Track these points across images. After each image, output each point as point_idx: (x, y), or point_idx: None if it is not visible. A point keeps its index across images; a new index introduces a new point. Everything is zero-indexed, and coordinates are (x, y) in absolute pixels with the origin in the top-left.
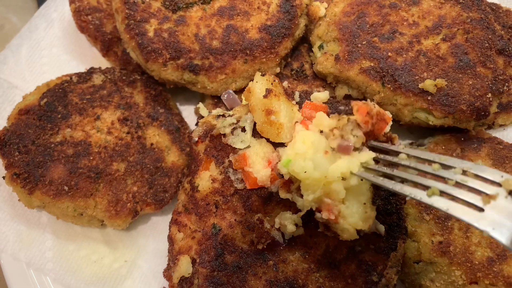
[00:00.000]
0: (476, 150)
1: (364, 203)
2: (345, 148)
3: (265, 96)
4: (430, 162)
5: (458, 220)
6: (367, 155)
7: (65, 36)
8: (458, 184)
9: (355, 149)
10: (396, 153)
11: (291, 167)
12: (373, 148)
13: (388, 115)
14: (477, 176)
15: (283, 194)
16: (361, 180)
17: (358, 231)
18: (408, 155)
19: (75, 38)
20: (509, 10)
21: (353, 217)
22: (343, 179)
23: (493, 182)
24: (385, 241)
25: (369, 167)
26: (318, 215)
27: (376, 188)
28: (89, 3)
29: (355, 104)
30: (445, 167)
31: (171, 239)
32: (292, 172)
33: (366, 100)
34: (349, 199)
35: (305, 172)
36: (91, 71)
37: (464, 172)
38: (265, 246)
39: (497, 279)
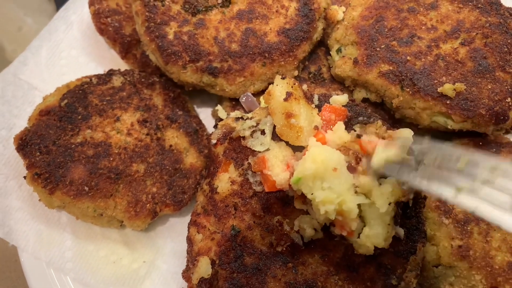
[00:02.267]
0: (495, 154)
1: (388, 224)
2: (351, 168)
3: (285, 99)
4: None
5: (486, 221)
6: (389, 183)
7: (84, 38)
8: (486, 183)
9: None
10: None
11: (300, 186)
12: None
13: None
14: (506, 174)
15: (298, 205)
16: (389, 204)
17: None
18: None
19: (94, 40)
20: None
21: (378, 238)
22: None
23: None
24: (404, 244)
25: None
26: (332, 228)
27: (398, 207)
28: (108, 6)
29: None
30: (473, 164)
31: (190, 240)
32: (302, 191)
33: (383, 104)
34: (374, 219)
35: (312, 194)
36: (110, 73)
37: (493, 170)
38: (284, 249)
39: None
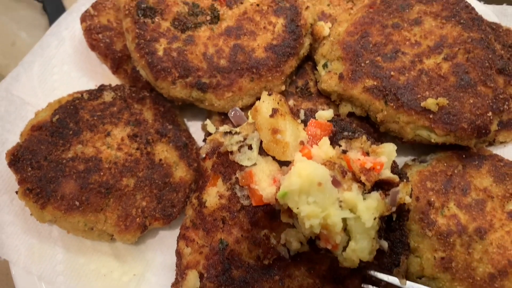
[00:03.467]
0: (478, 167)
1: (373, 237)
2: (335, 182)
3: (271, 116)
4: None
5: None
6: (373, 198)
7: (76, 53)
8: None
9: (362, 186)
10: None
11: (286, 200)
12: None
13: (382, 160)
14: None
15: (285, 219)
16: (374, 219)
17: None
18: None
19: (86, 56)
20: (509, 29)
21: (363, 252)
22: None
23: None
24: (388, 256)
25: None
26: (318, 242)
27: (382, 221)
28: (99, 22)
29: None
30: None
31: (179, 254)
32: (288, 205)
33: (369, 118)
34: (359, 233)
35: (297, 208)
36: (101, 89)
37: None
38: (271, 262)
39: None
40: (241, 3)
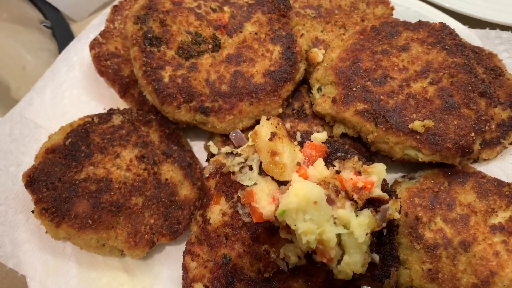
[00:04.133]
0: (462, 183)
1: (365, 251)
2: (330, 200)
3: (270, 139)
4: None
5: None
6: (365, 215)
7: (85, 78)
8: None
9: (355, 204)
10: None
11: (284, 218)
12: None
13: (372, 180)
14: None
15: (283, 235)
16: (366, 234)
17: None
18: None
19: (94, 80)
20: (491, 52)
21: (356, 265)
22: (345, 227)
23: None
24: (379, 269)
25: None
26: (314, 256)
27: (374, 236)
28: (108, 49)
29: (344, 180)
30: None
31: (185, 268)
32: (286, 222)
33: (360, 139)
34: (352, 248)
35: (295, 225)
36: (110, 112)
37: None
38: (271, 274)
39: None
40: (241, 31)
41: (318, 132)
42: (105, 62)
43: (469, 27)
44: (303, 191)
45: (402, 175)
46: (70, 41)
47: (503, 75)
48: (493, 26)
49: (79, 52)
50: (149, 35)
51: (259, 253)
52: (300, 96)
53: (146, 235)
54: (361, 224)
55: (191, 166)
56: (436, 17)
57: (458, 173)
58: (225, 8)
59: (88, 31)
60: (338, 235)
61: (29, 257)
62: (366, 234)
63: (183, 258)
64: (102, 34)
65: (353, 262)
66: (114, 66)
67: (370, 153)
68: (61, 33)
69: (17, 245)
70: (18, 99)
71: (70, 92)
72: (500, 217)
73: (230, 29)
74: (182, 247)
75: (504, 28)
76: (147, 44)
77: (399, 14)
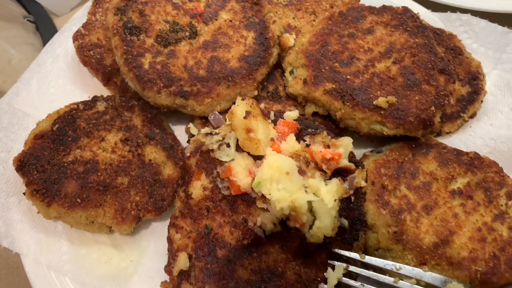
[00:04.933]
0: (425, 154)
1: (335, 216)
2: (301, 171)
3: (245, 117)
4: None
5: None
6: (333, 183)
7: (69, 69)
8: None
9: (324, 174)
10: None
11: (260, 188)
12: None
13: (340, 151)
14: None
15: (260, 204)
16: (334, 200)
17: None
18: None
19: (78, 70)
20: (451, 33)
21: (327, 228)
22: (315, 195)
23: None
24: (349, 233)
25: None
26: (288, 222)
27: (342, 202)
28: (90, 40)
29: (314, 153)
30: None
31: (170, 240)
32: (262, 192)
33: (330, 116)
34: (322, 213)
35: (269, 194)
36: (95, 99)
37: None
38: (249, 241)
39: (441, 260)
40: (216, 19)
41: (290, 111)
42: (88, 53)
43: (432, 11)
44: (276, 163)
45: (371, 149)
46: (54, 35)
47: (462, 54)
48: (453, 9)
49: (62, 44)
50: (129, 25)
51: (238, 222)
52: (274, 79)
53: (133, 211)
54: (330, 191)
55: (173, 147)
56: (401, 2)
57: (422, 145)
58: None
59: (71, 24)
60: (309, 202)
61: (23, 236)
62: (335, 200)
63: (168, 231)
64: (84, 26)
65: (324, 226)
66: (97, 56)
67: (339, 130)
68: (45, 27)
69: (11, 226)
70: (5, 91)
71: (56, 82)
72: (459, 183)
73: (205, 17)
74: (166, 223)
75: (464, 11)
76: (127, 34)
77: (366, 0)
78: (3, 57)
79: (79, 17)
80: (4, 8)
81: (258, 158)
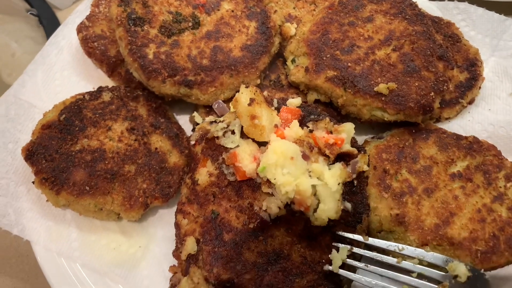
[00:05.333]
0: (425, 139)
1: (338, 199)
2: (305, 156)
3: (249, 104)
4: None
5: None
6: (337, 167)
7: (74, 60)
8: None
9: (327, 158)
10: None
11: (265, 173)
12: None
13: (342, 137)
14: (430, 264)
15: (265, 189)
16: (338, 184)
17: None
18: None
19: (83, 62)
20: (449, 21)
21: (330, 211)
22: (319, 179)
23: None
24: (352, 216)
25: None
26: (293, 206)
27: (345, 186)
28: (94, 32)
29: (317, 138)
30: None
31: (177, 225)
32: (267, 177)
33: (332, 103)
34: (326, 196)
35: (274, 179)
36: (100, 90)
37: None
38: (255, 225)
39: (442, 240)
40: (218, 10)
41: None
42: (93, 44)
43: (429, 0)
44: (281, 149)
45: (372, 136)
46: (57, 28)
47: (460, 41)
48: None
49: (66, 36)
50: (132, 16)
51: (244, 207)
52: (276, 68)
53: (140, 198)
54: (333, 175)
55: (178, 136)
56: None
57: (422, 130)
58: None
59: (74, 16)
60: (313, 186)
61: (33, 224)
62: (338, 184)
63: (175, 217)
64: (88, 18)
65: (328, 209)
66: (101, 47)
67: (341, 116)
68: (48, 20)
69: (21, 214)
70: (10, 84)
71: (61, 73)
72: (458, 166)
73: (208, 7)
74: (173, 209)
75: None
76: (131, 25)
77: None
78: (6, 51)
79: (82, 9)
80: (6, 2)
81: (262, 144)
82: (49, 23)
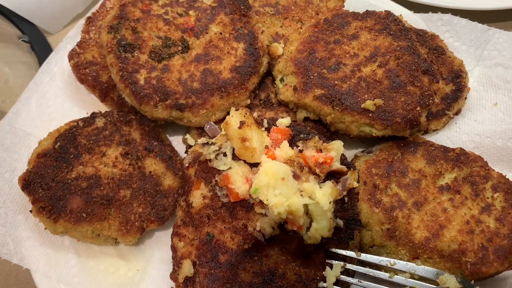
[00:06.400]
0: (413, 152)
1: (330, 217)
2: (296, 176)
3: (239, 127)
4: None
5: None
6: (327, 186)
7: (67, 87)
8: None
9: (318, 177)
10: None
11: (258, 194)
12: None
13: (331, 155)
14: (422, 278)
15: (258, 210)
16: (329, 202)
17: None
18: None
19: (75, 88)
20: (434, 34)
21: (323, 230)
22: (310, 198)
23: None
24: (344, 232)
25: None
26: (286, 225)
27: (336, 203)
28: (85, 58)
29: (307, 158)
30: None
31: (174, 248)
32: (259, 198)
33: (321, 121)
34: (319, 215)
35: (267, 200)
36: (93, 116)
37: (412, 275)
38: (250, 246)
39: (432, 253)
40: (206, 33)
41: (283, 118)
42: (84, 70)
43: (414, 12)
44: (272, 170)
45: (361, 150)
46: (49, 53)
47: (445, 53)
48: (435, 9)
49: (58, 63)
50: (122, 43)
51: (238, 228)
52: (266, 87)
53: (136, 223)
54: (325, 194)
55: (171, 158)
56: (384, 4)
57: (410, 143)
58: (191, 12)
59: (65, 43)
60: (305, 205)
61: (31, 252)
62: (330, 202)
63: (171, 240)
64: (79, 44)
65: (321, 227)
66: (93, 73)
67: (330, 133)
68: (40, 46)
69: (19, 243)
70: (5, 111)
71: (54, 100)
72: (446, 179)
73: (196, 31)
74: (169, 231)
75: (445, 11)
76: (121, 51)
77: (350, 4)
78: (0, 77)
79: (73, 35)
80: None
81: (254, 165)
82: (41, 48)
